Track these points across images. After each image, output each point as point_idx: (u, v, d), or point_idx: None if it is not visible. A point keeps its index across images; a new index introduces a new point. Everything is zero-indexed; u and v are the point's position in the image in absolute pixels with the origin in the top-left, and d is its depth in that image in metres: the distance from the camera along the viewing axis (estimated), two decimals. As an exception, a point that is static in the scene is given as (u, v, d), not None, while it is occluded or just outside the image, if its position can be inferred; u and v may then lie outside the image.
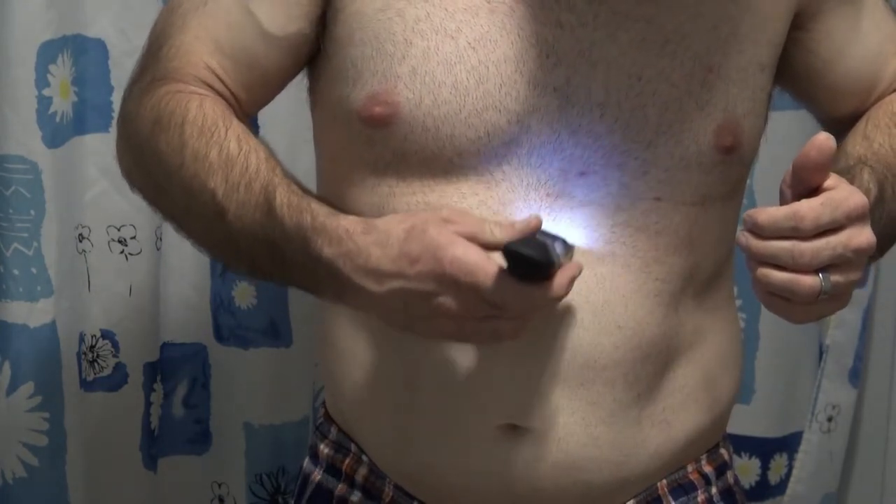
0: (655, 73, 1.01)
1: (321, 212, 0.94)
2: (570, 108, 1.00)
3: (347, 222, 0.93)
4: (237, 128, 0.99)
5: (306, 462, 1.16)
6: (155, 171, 1.01)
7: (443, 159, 1.00)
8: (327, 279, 0.94)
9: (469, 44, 0.99)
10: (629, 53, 1.00)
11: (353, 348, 1.06)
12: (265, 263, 0.97)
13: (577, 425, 1.01)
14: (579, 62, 1.00)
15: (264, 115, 1.36)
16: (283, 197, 0.95)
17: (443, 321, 0.91)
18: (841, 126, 1.15)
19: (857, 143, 1.09)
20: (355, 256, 0.92)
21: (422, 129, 0.99)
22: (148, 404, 1.55)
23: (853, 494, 1.81)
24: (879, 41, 1.15)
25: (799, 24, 1.10)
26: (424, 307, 0.91)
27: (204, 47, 1.04)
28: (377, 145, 1.01)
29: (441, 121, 0.99)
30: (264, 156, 0.98)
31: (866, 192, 0.98)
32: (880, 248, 1.00)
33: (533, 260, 0.89)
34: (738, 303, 1.18)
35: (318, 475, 1.14)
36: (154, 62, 1.05)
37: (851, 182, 0.97)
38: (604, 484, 1.03)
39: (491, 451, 1.01)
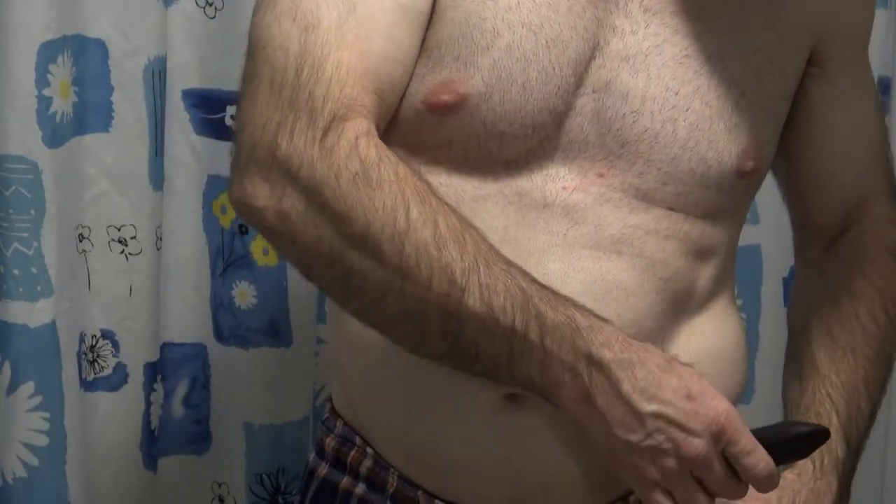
0: (692, 91, 1.02)
1: (588, 312, 0.92)
2: (604, 112, 1.01)
3: (622, 332, 0.92)
4: (442, 198, 0.93)
5: (312, 457, 1.17)
6: (361, 230, 0.90)
7: (484, 151, 1.00)
8: (583, 381, 0.91)
9: (546, 43, 0.98)
10: (670, 67, 1.02)
11: (361, 333, 1.05)
12: (489, 352, 0.91)
13: None
14: (622, 67, 1.01)
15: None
16: (536, 287, 0.91)
17: (670, 461, 0.92)
18: (817, 243, 1.20)
19: (821, 353, 1.13)
20: (637, 368, 0.91)
21: (480, 123, 0.98)
22: (148, 404, 1.55)
23: (853, 494, 1.81)
24: (869, 138, 1.19)
25: (811, 62, 1.12)
26: (673, 442, 0.91)
27: (371, 62, 0.94)
28: (426, 130, 1.00)
29: (500, 118, 0.98)
30: (483, 234, 0.92)
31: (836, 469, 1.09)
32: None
33: (812, 434, 0.96)
34: (739, 303, 1.18)
35: (323, 469, 1.14)
36: (316, 92, 0.92)
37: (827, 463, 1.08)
38: (604, 462, 1.03)
39: (493, 421, 1.02)
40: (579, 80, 1.00)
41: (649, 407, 0.91)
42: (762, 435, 0.94)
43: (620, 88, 1.01)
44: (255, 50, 0.97)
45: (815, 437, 0.96)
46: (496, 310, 0.89)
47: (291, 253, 0.95)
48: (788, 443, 0.95)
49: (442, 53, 0.98)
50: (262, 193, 0.92)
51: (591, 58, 1.01)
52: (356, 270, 0.91)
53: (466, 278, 0.89)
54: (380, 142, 0.93)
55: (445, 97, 0.98)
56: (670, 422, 0.91)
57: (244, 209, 0.94)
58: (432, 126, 0.99)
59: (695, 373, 0.93)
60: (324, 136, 0.91)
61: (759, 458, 0.92)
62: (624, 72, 1.01)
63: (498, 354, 0.91)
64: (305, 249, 0.93)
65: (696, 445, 0.91)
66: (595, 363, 0.91)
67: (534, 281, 0.92)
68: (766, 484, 0.94)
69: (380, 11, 0.95)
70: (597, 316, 0.93)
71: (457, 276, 0.89)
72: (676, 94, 1.02)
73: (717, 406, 0.92)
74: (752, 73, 1.05)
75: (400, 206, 0.89)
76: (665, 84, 1.02)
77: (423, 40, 0.99)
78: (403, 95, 0.99)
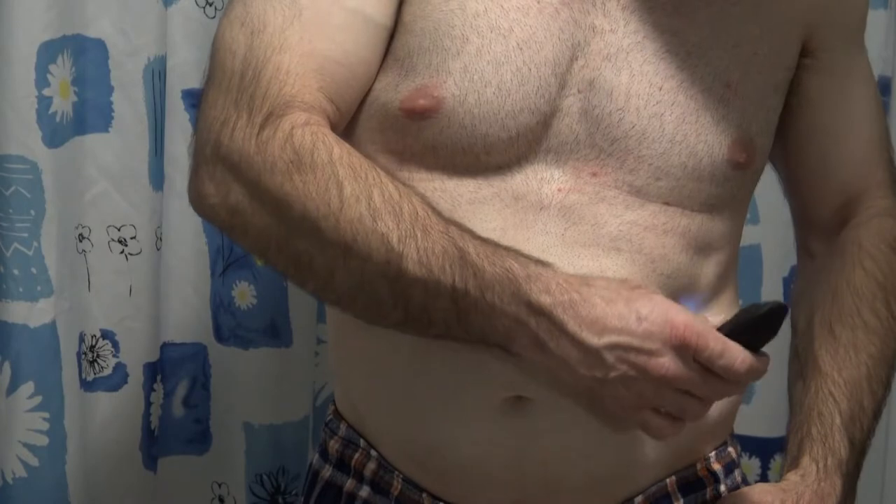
0: (676, 85, 1.03)
1: (528, 260, 0.91)
2: (591, 111, 1.02)
3: (563, 274, 0.91)
4: (383, 170, 0.94)
5: (316, 459, 1.17)
6: (299, 214, 0.92)
7: (471, 155, 1.00)
8: (530, 329, 0.90)
9: (518, 44, 0.99)
10: (653, 63, 1.02)
11: (364, 336, 1.06)
12: (439, 313, 0.91)
13: None
14: (605, 66, 1.02)
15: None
16: (474, 244, 0.91)
17: (644, 385, 0.90)
18: (817, 237, 1.20)
19: (823, 351, 1.13)
20: (578, 306, 0.89)
21: (459, 125, 0.99)
22: (148, 404, 1.55)
23: (853, 494, 1.81)
24: (867, 129, 1.18)
25: (804, 53, 1.13)
26: (638, 368, 0.89)
27: (314, 63, 0.97)
28: (409, 136, 1.01)
29: (479, 119, 0.99)
30: (426, 200, 0.93)
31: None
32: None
33: (771, 311, 0.91)
34: (739, 303, 1.18)
35: (327, 472, 1.14)
36: (257, 92, 0.95)
37: (825, 462, 1.09)
38: (609, 464, 1.04)
39: (497, 423, 1.02)
40: (562, 82, 1.01)
41: (601, 340, 0.89)
42: (730, 329, 0.91)
43: (605, 87, 1.02)
44: (212, 54, 1.01)
45: (777, 313, 0.91)
46: (436, 271, 0.90)
47: (247, 244, 0.98)
48: (755, 326, 0.91)
49: (414, 62, 1.00)
50: (210, 191, 0.96)
51: (573, 58, 1.01)
52: (303, 253, 0.93)
53: (403, 245, 0.90)
54: (320, 129, 0.94)
55: (421, 101, 0.99)
56: (627, 348, 0.89)
57: (200, 207, 0.98)
58: (413, 132, 1.01)
59: (644, 293, 0.91)
60: (260, 131, 0.94)
61: (734, 357, 0.90)
62: (607, 70, 1.02)
63: (447, 315, 0.91)
64: (257, 240, 0.95)
65: (662, 364, 0.89)
66: (536, 310, 0.90)
67: (474, 237, 0.92)
68: (750, 376, 0.91)
69: (326, 15, 0.98)
70: (538, 262, 0.92)
71: (393, 244, 0.90)
72: (660, 89, 1.02)
73: (672, 319, 0.89)
74: (737, 65, 1.05)
75: (332, 186, 0.91)
76: (648, 80, 1.02)
77: (395, 51, 1.01)
78: (381, 104, 1.01)
